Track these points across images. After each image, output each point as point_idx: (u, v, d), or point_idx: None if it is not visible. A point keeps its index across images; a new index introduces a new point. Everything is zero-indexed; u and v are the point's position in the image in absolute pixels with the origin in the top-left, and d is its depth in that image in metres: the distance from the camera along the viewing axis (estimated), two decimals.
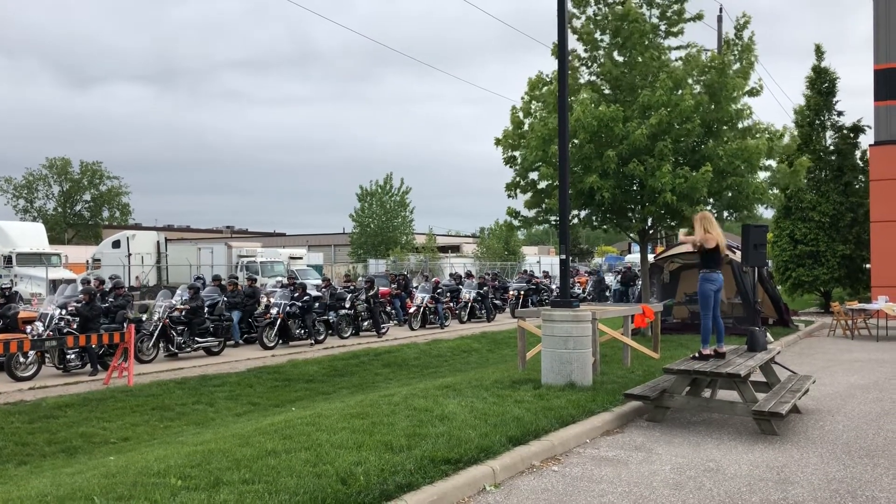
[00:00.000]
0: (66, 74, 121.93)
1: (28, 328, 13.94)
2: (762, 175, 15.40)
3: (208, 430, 9.20)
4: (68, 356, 13.41)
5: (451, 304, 25.05)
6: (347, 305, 20.22)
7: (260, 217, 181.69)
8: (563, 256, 10.13)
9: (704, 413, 8.72)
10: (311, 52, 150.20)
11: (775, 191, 16.31)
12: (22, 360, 12.75)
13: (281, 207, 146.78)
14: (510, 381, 9.84)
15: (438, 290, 24.43)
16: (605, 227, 16.02)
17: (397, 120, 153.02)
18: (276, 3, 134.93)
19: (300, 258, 41.40)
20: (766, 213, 26.48)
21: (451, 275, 33.54)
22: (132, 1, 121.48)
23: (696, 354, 9.01)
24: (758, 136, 15.01)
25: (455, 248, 66.55)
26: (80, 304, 14.24)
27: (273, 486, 5.10)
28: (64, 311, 13.97)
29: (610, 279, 35.53)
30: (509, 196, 15.36)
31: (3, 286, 18.22)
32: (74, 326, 13.70)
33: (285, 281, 22.24)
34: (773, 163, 15.66)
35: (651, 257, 17.78)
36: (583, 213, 15.42)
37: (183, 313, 15.83)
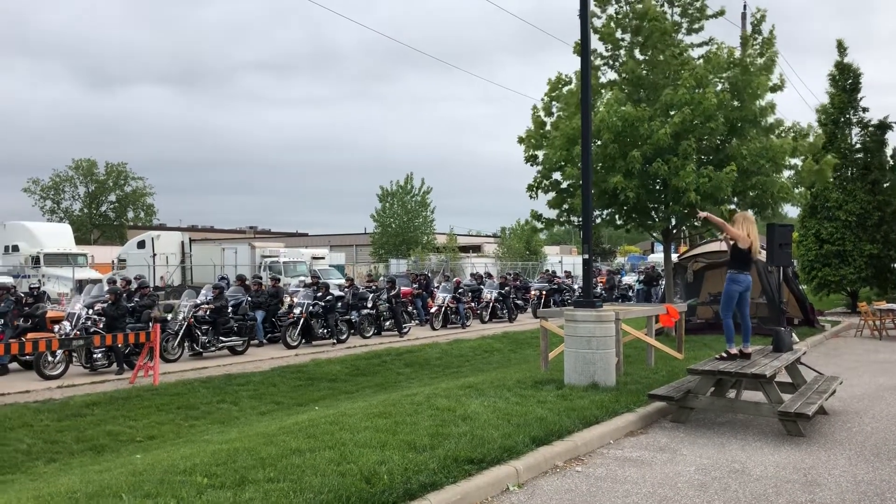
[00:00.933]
0: (91, 76, 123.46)
1: (56, 327, 14.14)
2: (787, 174, 15.24)
3: (233, 429, 9.28)
4: (95, 355, 13.59)
5: (473, 304, 25.05)
6: (370, 305, 20.29)
7: (282, 217, 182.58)
8: (587, 256, 10.10)
9: (729, 414, 8.66)
10: (331, 53, 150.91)
11: (801, 189, 16.13)
12: (50, 358, 12.93)
13: (303, 208, 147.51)
14: (533, 381, 9.82)
15: (460, 290, 24.45)
16: (628, 226, 15.93)
17: (418, 119, 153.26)
18: (296, 4, 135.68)
19: (322, 258, 41.61)
20: (792, 212, 26.18)
21: (472, 274, 33.52)
22: (155, 3, 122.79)
23: (723, 354, 8.96)
24: (783, 134, 14.86)
25: (476, 248, 66.56)
26: (106, 304, 14.43)
27: (298, 484, 5.14)
28: (90, 311, 14.16)
29: (631, 279, 35.36)
30: (531, 197, 15.32)
31: (32, 286, 18.50)
32: (101, 326, 13.88)
33: (308, 281, 22.38)
34: (798, 161, 15.49)
35: (674, 257, 17.66)
36: (606, 213, 15.35)
37: (207, 313, 15.98)
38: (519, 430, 6.85)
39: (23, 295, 16.40)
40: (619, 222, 15.68)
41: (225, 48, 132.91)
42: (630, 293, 32.65)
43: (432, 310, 22.99)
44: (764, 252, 12.18)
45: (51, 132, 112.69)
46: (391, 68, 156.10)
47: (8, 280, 22.57)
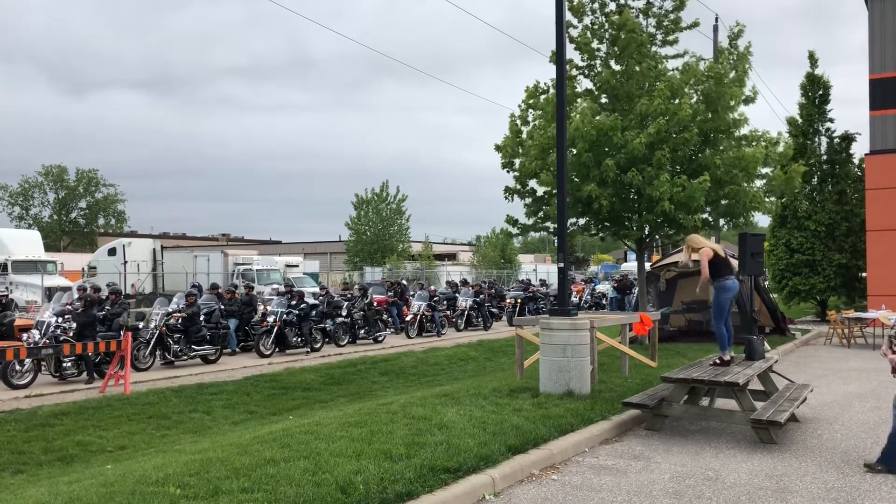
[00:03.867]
0: (63, 81, 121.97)
1: (24, 336, 13.88)
2: (758, 183, 15.46)
3: (206, 439, 9.16)
4: (64, 364, 13.36)
5: (448, 313, 25.03)
6: (344, 313, 20.19)
7: (256, 225, 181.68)
8: (562, 265, 10.14)
9: (703, 421, 8.72)
10: (307, 61, 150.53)
11: (771, 198, 16.37)
12: (18, 367, 12.70)
13: (277, 215, 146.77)
14: (508, 389, 9.83)
15: (435, 298, 24.42)
16: (602, 235, 16.06)
17: (394, 128, 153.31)
18: (273, 12, 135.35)
19: (296, 266, 41.33)
20: (763, 221, 26.56)
21: (447, 283, 33.52)
22: (129, 8, 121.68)
23: (716, 360, 9.17)
24: (754, 143, 15.08)
25: (451, 256, 66.63)
26: (76, 312, 14.21)
27: (272, 494, 5.08)
28: (60, 319, 13.92)
29: (605, 287, 35.57)
30: (507, 200, 15.42)
31: None
32: (71, 334, 13.66)
33: (282, 289, 22.22)
34: (768, 170, 15.73)
35: (647, 265, 17.80)
36: (581, 221, 15.46)
37: (180, 321, 15.79)
38: (495, 439, 6.84)
39: None
40: (593, 231, 15.80)
41: (199, 54, 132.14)
42: (604, 301, 32.87)
43: (407, 318, 22.93)
44: (735, 261, 12.33)
45: (21, 137, 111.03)
46: (368, 77, 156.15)
47: None
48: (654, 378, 10.55)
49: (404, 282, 29.97)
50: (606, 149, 13.97)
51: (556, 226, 14.30)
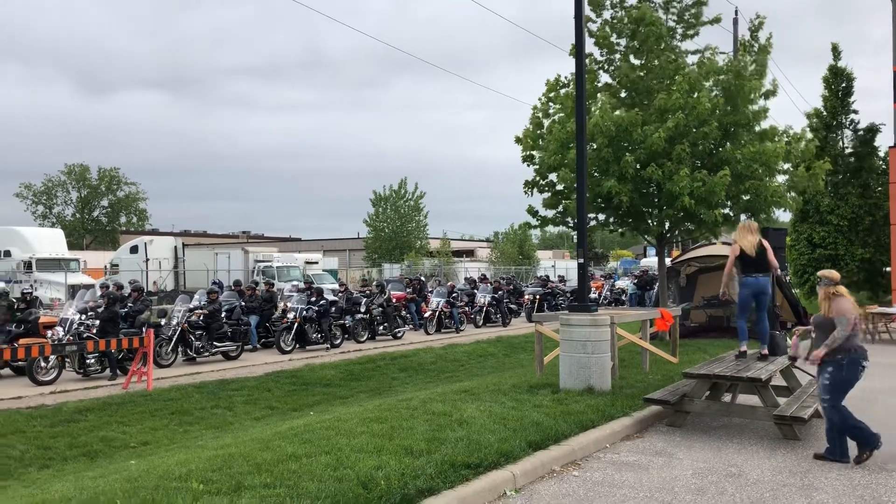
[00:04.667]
0: (84, 81, 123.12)
1: (49, 333, 14.06)
2: (780, 178, 15.28)
3: (228, 435, 9.23)
4: (88, 361, 13.50)
5: (467, 309, 25.01)
6: (363, 310, 20.26)
7: (275, 222, 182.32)
8: (581, 261, 10.10)
9: (725, 418, 8.67)
10: (322, 58, 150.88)
11: (793, 194, 16.17)
12: (43, 364, 12.86)
13: (296, 213, 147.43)
14: (528, 385, 9.82)
15: (454, 295, 24.42)
16: (622, 230, 15.96)
17: (411, 125, 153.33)
18: (286, 10, 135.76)
19: (316, 263, 41.54)
20: (784, 216, 26.28)
21: (465, 279, 33.51)
22: (146, 8, 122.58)
23: (738, 353, 9.15)
24: (776, 139, 14.90)
25: (469, 253, 66.56)
26: (99, 309, 14.36)
27: (294, 490, 5.11)
28: (83, 316, 14.08)
29: (624, 283, 35.42)
30: (526, 193, 15.36)
31: (24, 291, 18.40)
32: (94, 331, 13.81)
33: (302, 285, 22.31)
34: (790, 166, 15.54)
35: (667, 261, 17.69)
36: (601, 217, 15.37)
37: (201, 318, 15.91)
38: (515, 435, 6.84)
39: (15, 300, 16.34)
40: (613, 226, 15.70)
41: (216, 53, 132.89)
42: (623, 297, 32.71)
43: (426, 314, 22.95)
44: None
45: (43, 137, 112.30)
46: (385, 74, 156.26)
47: (0, 285, 22.44)
48: (676, 374, 10.49)
49: (422, 278, 29.94)
50: (626, 144, 13.88)
51: (575, 220, 14.28)
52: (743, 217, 15.76)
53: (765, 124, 14.88)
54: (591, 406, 8.31)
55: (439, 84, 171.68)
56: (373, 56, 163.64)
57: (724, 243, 17.97)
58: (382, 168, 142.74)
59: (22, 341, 13.42)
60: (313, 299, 18.61)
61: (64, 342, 12.98)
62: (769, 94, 15.08)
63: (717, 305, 17.97)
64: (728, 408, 8.51)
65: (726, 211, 14.92)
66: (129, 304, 15.70)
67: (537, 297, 28.43)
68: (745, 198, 14.60)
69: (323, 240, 70.47)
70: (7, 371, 13.90)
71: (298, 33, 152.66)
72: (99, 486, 5.70)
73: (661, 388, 9.19)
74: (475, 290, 26.50)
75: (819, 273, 7.24)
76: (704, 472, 6.49)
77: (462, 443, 6.41)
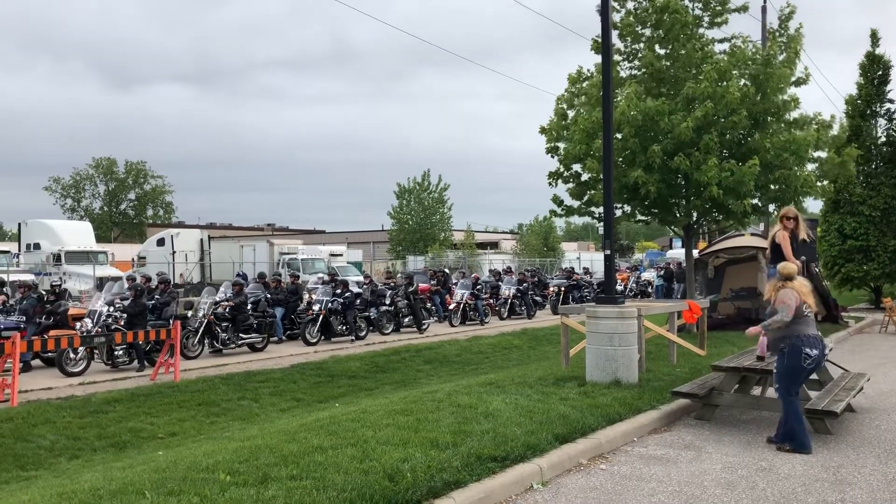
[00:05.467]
0: (111, 76, 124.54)
1: (77, 325, 14.23)
2: (810, 167, 15.02)
3: (254, 426, 9.27)
4: (116, 352, 13.65)
5: (491, 301, 24.97)
6: (388, 302, 20.28)
7: (300, 214, 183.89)
8: (608, 252, 10.00)
9: (754, 411, 8.54)
10: (348, 51, 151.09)
11: (824, 183, 15.89)
12: (72, 355, 13.01)
13: (321, 205, 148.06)
14: (554, 378, 9.75)
15: (478, 287, 24.37)
16: (649, 221, 15.80)
17: (435, 117, 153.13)
18: (314, 3, 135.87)
19: (340, 255, 41.65)
20: (814, 206, 25.87)
21: (490, 271, 33.43)
22: (174, 3, 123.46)
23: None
24: (805, 126, 14.65)
25: (494, 245, 66.43)
26: (127, 301, 14.50)
27: (321, 482, 5.10)
28: (111, 308, 14.22)
29: (650, 275, 35.13)
30: (551, 185, 15.24)
31: (53, 283, 18.65)
32: (122, 323, 13.94)
33: (326, 277, 22.39)
34: (821, 154, 15.27)
35: (694, 252, 17.48)
36: (626, 207, 15.22)
37: (227, 310, 16.01)
38: (542, 428, 6.78)
39: (44, 293, 16.56)
40: (639, 217, 15.55)
41: (243, 47, 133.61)
42: (649, 289, 32.45)
43: (451, 306, 22.94)
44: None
45: (72, 132, 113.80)
46: (410, 66, 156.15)
47: (30, 278, 22.77)
48: (703, 367, 10.36)
49: (447, 270, 29.92)
50: (652, 133, 13.71)
51: (600, 210, 14.14)
52: (772, 207, 15.53)
53: (795, 113, 14.64)
54: (618, 399, 8.23)
55: (466, 75, 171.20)
56: (400, 48, 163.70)
57: (752, 234, 17.72)
58: (407, 160, 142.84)
59: (51, 333, 13.60)
60: (338, 291, 18.66)
61: (92, 334, 13.12)
62: (800, 83, 14.83)
63: (745, 297, 17.74)
64: (758, 401, 8.38)
65: (755, 201, 14.71)
66: (157, 297, 15.84)
67: (562, 289, 28.28)
68: (775, 187, 14.37)
69: (347, 232, 70.72)
70: (37, 362, 14.08)
71: (327, 26, 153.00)
72: (128, 476, 5.74)
73: (689, 381, 9.08)
74: (500, 283, 26.44)
75: (777, 266, 7.43)
76: (734, 467, 6.39)
77: (488, 435, 6.36)
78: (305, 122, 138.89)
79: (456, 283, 24.89)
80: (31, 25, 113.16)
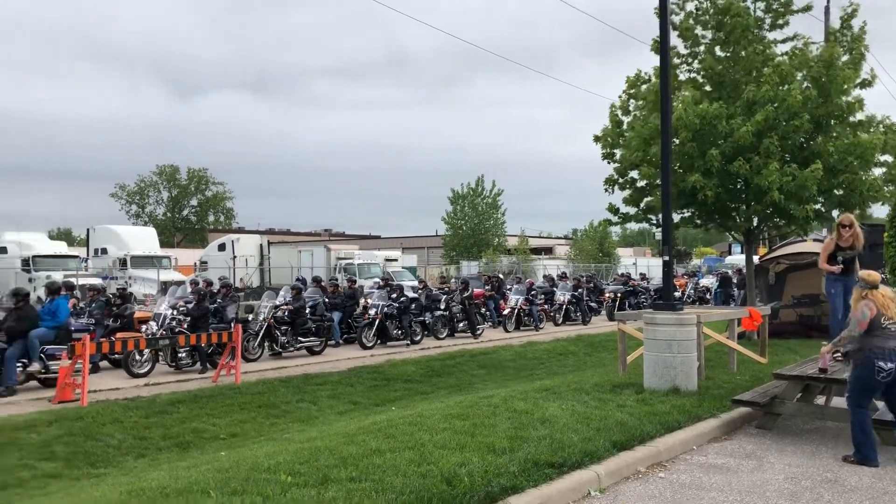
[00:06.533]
0: (174, 86, 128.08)
1: (143, 327, 14.68)
2: (877, 171, 14.55)
3: (313, 428, 9.43)
4: (180, 354, 14.03)
5: (546, 307, 24.85)
6: (443, 307, 20.37)
7: (355, 220, 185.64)
8: (667, 258, 9.89)
9: (818, 421, 8.33)
10: (402, 57, 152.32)
11: (892, 187, 15.38)
12: (138, 357, 13.43)
13: (375, 210, 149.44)
14: (611, 385, 9.67)
15: (532, 292, 24.29)
16: (708, 227, 15.52)
17: (489, 123, 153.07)
18: (367, 10, 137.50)
19: (395, 260, 42.01)
20: (881, 211, 25.04)
21: (544, 276, 33.27)
22: (234, 14, 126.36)
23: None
24: (872, 129, 14.20)
25: (548, 250, 66.08)
26: (190, 305, 14.90)
27: (379, 484, 5.18)
28: (175, 312, 14.63)
29: (708, 281, 34.47)
30: (607, 192, 15.13)
31: (119, 287, 19.27)
32: (185, 326, 14.33)
33: (382, 282, 22.61)
34: (888, 158, 14.78)
35: (755, 258, 17.11)
36: (684, 213, 15.00)
37: (286, 313, 16.31)
38: (599, 435, 6.75)
39: (111, 296, 17.12)
40: (698, 222, 15.30)
41: (298, 55, 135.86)
42: (707, 296, 31.84)
43: (505, 312, 22.91)
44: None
45: (137, 140, 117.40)
46: (463, 71, 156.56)
47: (98, 282, 23.55)
48: (765, 375, 10.14)
49: (501, 276, 29.86)
50: (711, 138, 13.49)
51: (658, 217, 13.97)
52: (836, 212, 15.10)
53: (860, 115, 14.21)
54: (677, 406, 8.13)
55: (519, 81, 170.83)
56: (452, 54, 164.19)
57: (814, 240, 17.26)
58: (461, 165, 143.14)
59: (118, 335, 14.05)
60: (394, 296, 18.84)
61: (157, 336, 13.52)
62: (865, 84, 14.39)
63: (807, 304, 17.28)
64: (822, 411, 8.17)
65: (818, 206, 14.33)
66: (218, 300, 16.23)
67: (618, 295, 27.99)
68: (839, 192, 13.98)
69: (402, 237, 71.21)
70: (105, 363, 14.56)
71: (379, 33, 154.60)
72: (192, 475, 5.91)
73: (750, 390, 8.90)
74: (554, 288, 26.30)
75: (861, 273, 7.19)
76: (798, 477, 6.25)
77: (545, 441, 6.37)
78: (361, 129, 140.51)
79: (510, 289, 24.86)
80: (98, 39, 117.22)
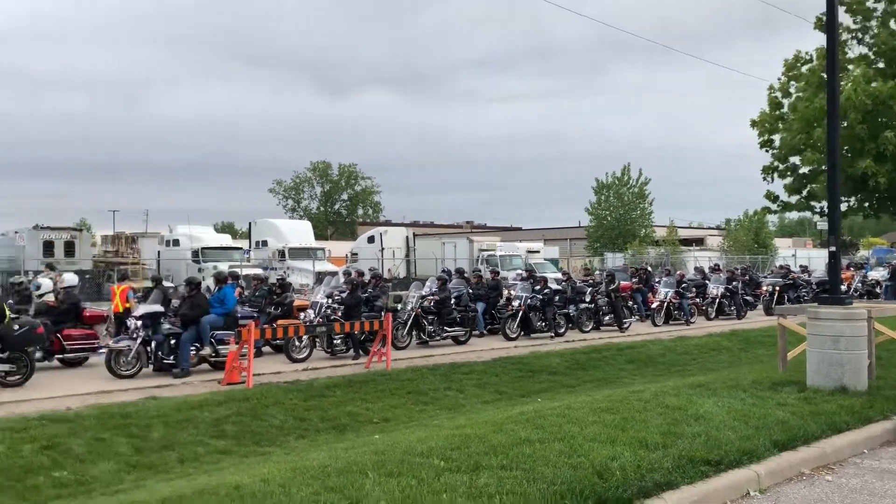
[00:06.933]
0: (326, 85, 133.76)
1: (301, 315, 15.49)
2: None
3: (461, 416, 9.62)
4: (335, 341, 14.70)
5: (697, 300, 23.94)
6: (588, 299, 20.10)
7: (497, 212, 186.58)
8: (833, 248, 9.27)
9: None
10: (548, 46, 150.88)
11: None
12: (297, 343, 14.20)
13: (516, 202, 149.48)
14: (770, 382, 9.21)
15: (683, 285, 23.46)
16: (879, 215, 14.42)
17: (636, 110, 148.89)
18: (509, 1, 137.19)
19: (537, 252, 41.83)
20: None
21: (695, 268, 32.04)
22: (382, 14, 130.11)
23: None
24: None
25: (699, 241, 63.48)
26: (343, 294, 15.56)
27: (530, 473, 5.22)
28: (330, 300, 15.34)
29: (878, 273, 31.91)
30: (766, 180, 14.38)
31: (279, 277, 20.41)
32: (339, 314, 14.99)
33: (524, 274, 22.62)
34: None
35: None
36: (852, 201, 14.01)
37: (433, 304, 16.68)
38: (758, 433, 6.46)
39: (272, 286, 18.18)
40: (867, 211, 14.26)
41: (444, 48, 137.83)
42: (877, 289, 29.49)
43: (653, 305, 22.28)
44: None
45: (292, 138, 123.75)
46: (608, 59, 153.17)
47: (260, 272, 25.09)
48: None
49: (649, 268, 29.02)
50: (884, 119, 12.51)
51: (822, 205, 13.12)
52: None
53: None
54: (845, 407, 7.62)
55: (667, 66, 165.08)
56: (598, 41, 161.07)
57: None
58: (606, 154, 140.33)
59: (279, 322, 14.89)
60: (537, 288, 18.80)
61: (315, 324, 14.24)
62: None
63: None
64: None
65: None
66: (369, 290, 16.84)
67: (777, 288, 26.44)
68: None
69: (543, 229, 70.73)
70: (267, 349, 15.48)
71: (524, 23, 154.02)
72: (350, 456, 6.20)
73: None
74: (706, 281, 25.27)
75: None
76: None
77: (700, 438, 6.17)
78: (503, 121, 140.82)
79: (659, 281, 24.13)
80: (255, 42, 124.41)
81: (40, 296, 14.12)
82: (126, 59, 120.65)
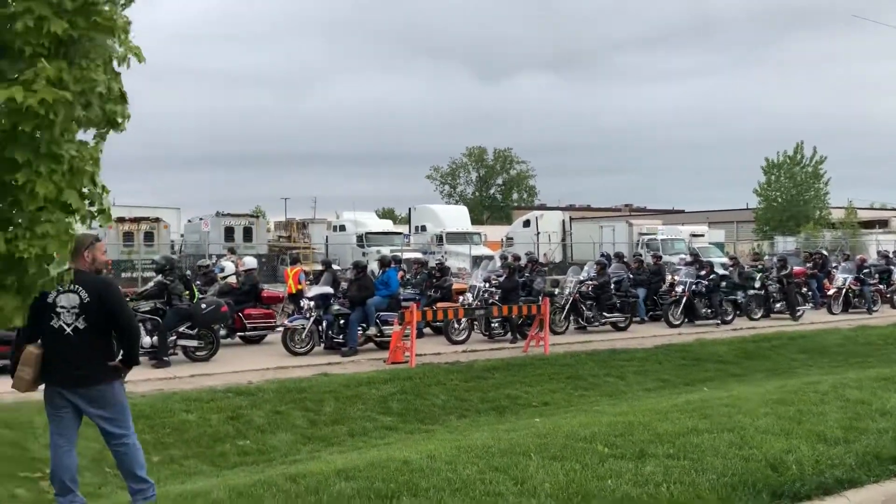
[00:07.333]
0: (480, 69, 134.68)
1: (460, 298, 15.84)
2: None
3: (622, 403, 9.51)
4: (493, 324, 14.90)
5: (881, 287, 22.12)
6: (757, 285, 19.11)
7: (657, 194, 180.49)
8: None
9: None
10: (706, 23, 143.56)
11: None
12: (456, 325, 14.54)
13: (679, 183, 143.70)
14: None
15: (864, 271, 21.75)
16: None
17: (808, 84, 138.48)
18: None
19: (701, 235, 40.15)
20: None
21: (878, 253, 29.58)
22: None
23: None
24: None
25: (882, 223, 58.40)
26: (501, 278, 15.73)
27: (698, 463, 5.10)
28: (487, 284, 15.56)
29: None
30: None
31: (438, 261, 20.95)
32: (497, 298, 15.17)
33: (688, 259, 21.82)
34: None
35: None
36: None
37: (591, 289, 16.49)
38: None
39: (432, 269, 18.70)
40: None
41: (597, 29, 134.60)
42: None
43: (830, 292, 20.83)
44: None
45: (448, 124, 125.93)
46: (775, 31, 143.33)
47: (420, 256, 25.85)
48: None
49: (824, 252, 27.10)
50: None
51: None
52: None
53: None
54: None
55: (844, 34, 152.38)
56: (762, 12, 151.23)
57: None
58: (776, 133, 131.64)
59: (439, 305, 15.31)
60: (702, 273, 18.11)
61: (474, 307, 14.52)
62: None
63: None
64: None
65: None
66: (526, 274, 16.91)
67: None
68: None
69: (708, 211, 67.64)
70: (428, 330, 15.95)
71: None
72: (512, 438, 6.32)
73: None
74: (891, 266, 23.29)
75: None
76: None
77: (887, 435, 5.78)
78: (662, 100, 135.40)
79: (836, 267, 22.51)
80: (411, 31, 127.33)
81: (224, 278, 15.26)
82: (293, 55, 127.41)
